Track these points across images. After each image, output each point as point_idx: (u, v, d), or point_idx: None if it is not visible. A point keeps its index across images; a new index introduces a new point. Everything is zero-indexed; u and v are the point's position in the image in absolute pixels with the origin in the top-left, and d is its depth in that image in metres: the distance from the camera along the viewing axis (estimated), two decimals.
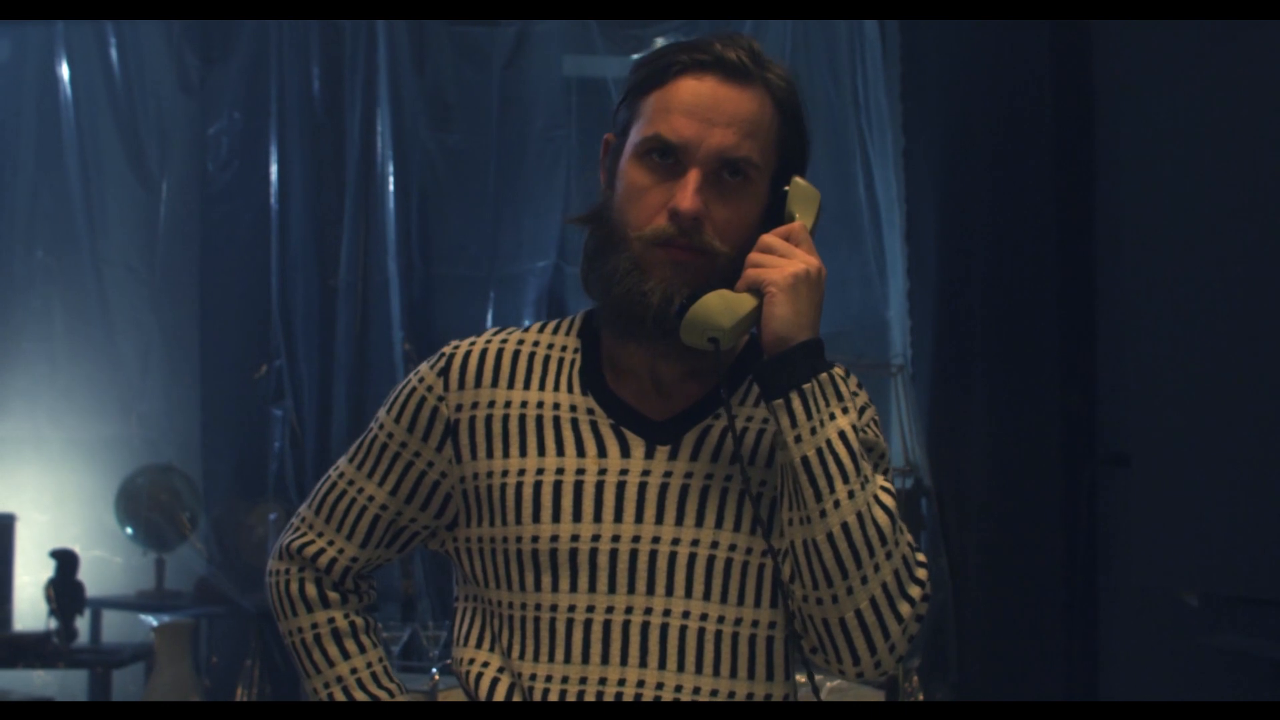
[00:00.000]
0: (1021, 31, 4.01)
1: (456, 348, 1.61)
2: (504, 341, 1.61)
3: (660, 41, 5.04)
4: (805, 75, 4.70)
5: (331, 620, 1.63)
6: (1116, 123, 3.80)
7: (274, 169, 4.77)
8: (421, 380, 1.60)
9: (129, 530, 4.57)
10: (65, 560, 4.33)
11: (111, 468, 4.62)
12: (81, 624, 4.42)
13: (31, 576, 4.46)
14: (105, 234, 4.70)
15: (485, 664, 1.55)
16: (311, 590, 1.63)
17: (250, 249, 4.76)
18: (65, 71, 4.71)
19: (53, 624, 4.28)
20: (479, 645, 1.56)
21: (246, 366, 4.74)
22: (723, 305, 1.45)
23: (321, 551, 1.63)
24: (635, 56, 5.04)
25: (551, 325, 1.64)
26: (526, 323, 4.78)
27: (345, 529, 1.62)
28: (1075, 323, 3.90)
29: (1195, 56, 3.44)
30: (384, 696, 1.62)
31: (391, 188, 4.76)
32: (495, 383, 1.57)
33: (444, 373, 1.59)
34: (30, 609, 4.43)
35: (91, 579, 4.44)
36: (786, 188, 1.51)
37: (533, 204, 4.84)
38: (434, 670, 3.49)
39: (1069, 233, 3.91)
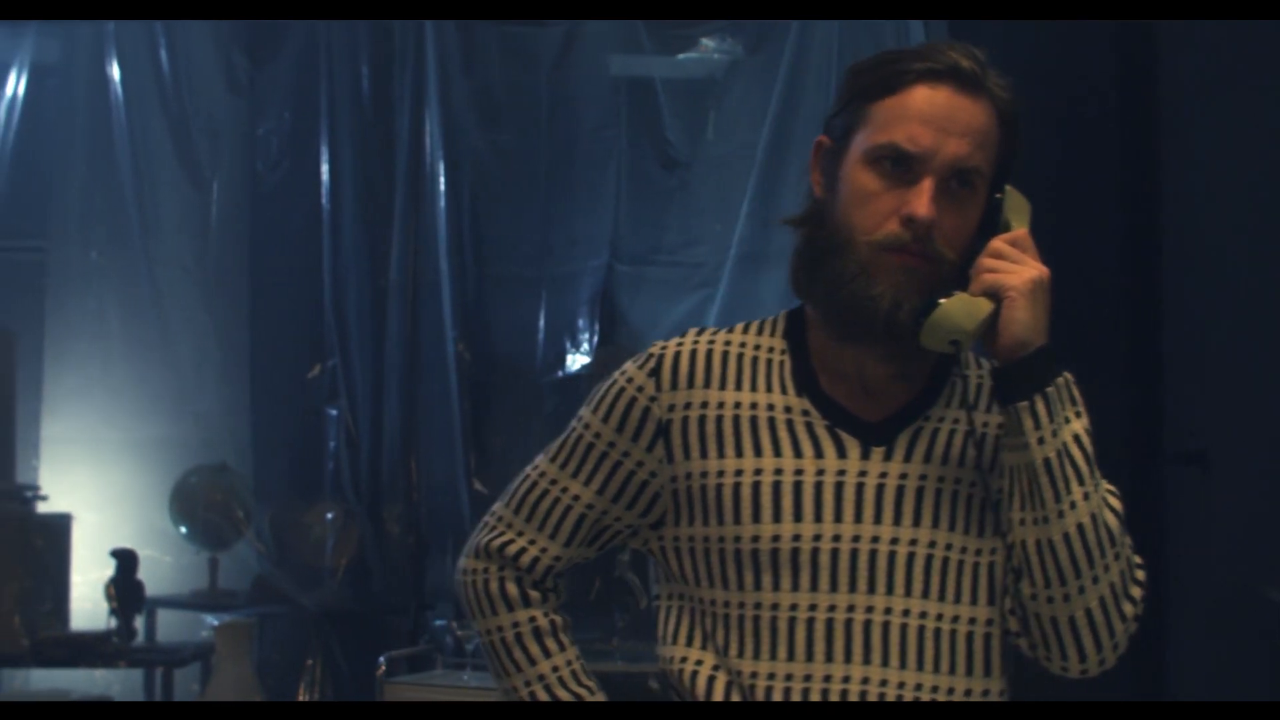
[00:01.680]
0: (1081, 32, 4.01)
1: (664, 348, 1.63)
2: (711, 342, 1.62)
3: (706, 41, 5.06)
4: None
5: (533, 619, 1.65)
6: (1184, 119, 3.83)
7: (324, 168, 4.78)
8: (630, 380, 1.62)
9: (183, 530, 4.56)
10: (125, 559, 4.31)
11: (165, 467, 4.61)
12: (137, 623, 4.41)
13: (84, 576, 4.44)
14: (157, 234, 4.70)
15: (699, 662, 1.57)
16: (512, 589, 1.65)
17: (301, 248, 4.77)
18: (116, 72, 4.70)
19: (112, 623, 4.27)
20: (689, 643, 1.59)
21: (299, 366, 4.75)
22: (964, 309, 1.47)
23: (523, 550, 1.64)
24: (682, 56, 5.07)
25: (755, 326, 1.65)
26: (587, 323, 4.83)
27: (549, 528, 1.64)
28: (1140, 317, 3.92)
29: (1264, 55, 3.47)
30: (585, 695, 1.64)
31: (442, 187, 4.76)
32: (707, 383, 1.59)
33: (655, 373, 1.60)
34: (85, 608, 4.41)
35: (146, 578, 4.42)
36: (999, 195, 1.54)
37: (583, 203, 4.86)
38: None
39: (1134, 220, 3.92)
